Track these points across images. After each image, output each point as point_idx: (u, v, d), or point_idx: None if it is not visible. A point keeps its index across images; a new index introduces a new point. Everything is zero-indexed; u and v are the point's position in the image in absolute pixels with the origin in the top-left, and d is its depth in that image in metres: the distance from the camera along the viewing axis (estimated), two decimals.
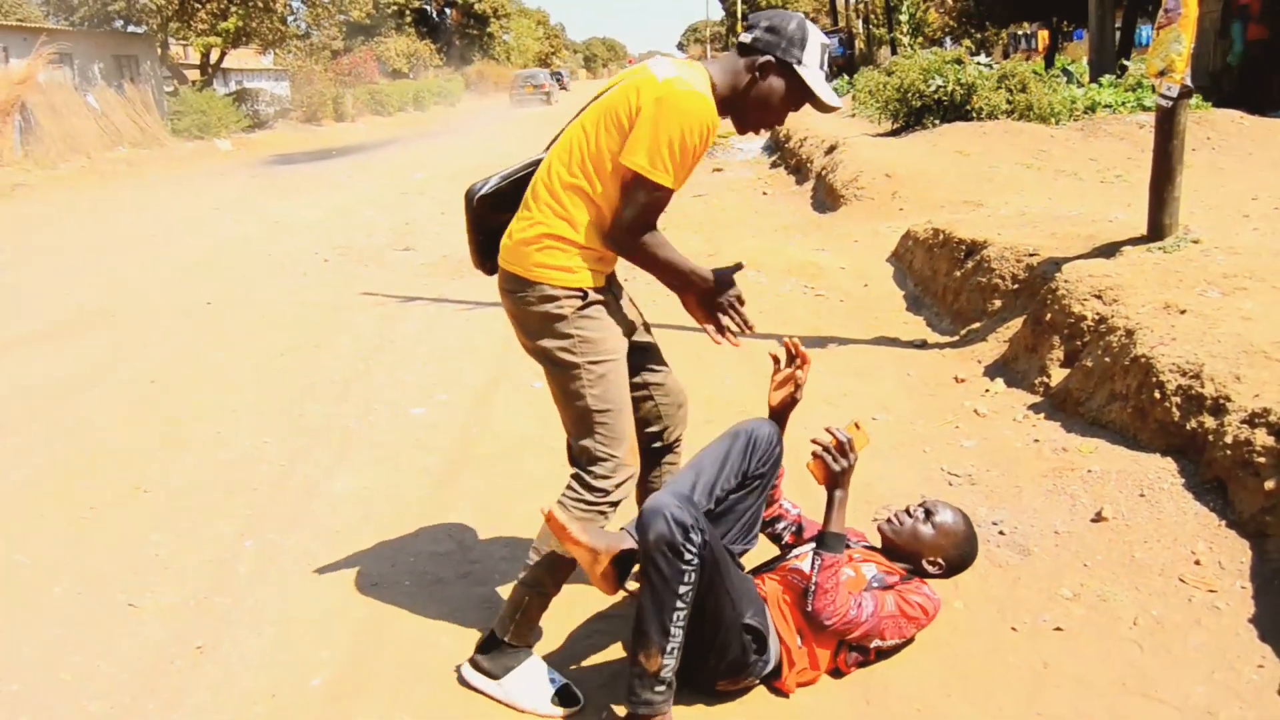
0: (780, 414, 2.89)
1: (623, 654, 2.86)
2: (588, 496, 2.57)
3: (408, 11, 53.38)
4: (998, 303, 5.50)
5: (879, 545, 2.99)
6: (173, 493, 4.14)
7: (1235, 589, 2.88)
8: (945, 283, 6.16)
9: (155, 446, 4.66)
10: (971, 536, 2.95)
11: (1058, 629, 2.85)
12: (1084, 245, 5.33)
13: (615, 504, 2.61)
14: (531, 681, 2.64)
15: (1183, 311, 4.10)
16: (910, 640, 2.79)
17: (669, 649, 2.32)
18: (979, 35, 33.78)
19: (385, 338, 6.29)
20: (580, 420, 2.59)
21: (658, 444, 2.92)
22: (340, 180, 16.13)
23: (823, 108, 2.58)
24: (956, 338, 5.58)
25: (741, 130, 2.67)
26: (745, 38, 2.55)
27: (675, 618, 2.31)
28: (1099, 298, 4.52)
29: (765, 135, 17.00)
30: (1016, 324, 5.10)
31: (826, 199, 9.93)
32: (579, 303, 2.54)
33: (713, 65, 2.56)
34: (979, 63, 11.95)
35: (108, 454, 4.59)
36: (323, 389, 5.37)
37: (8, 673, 2.88)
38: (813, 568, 2.58)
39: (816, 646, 2.63)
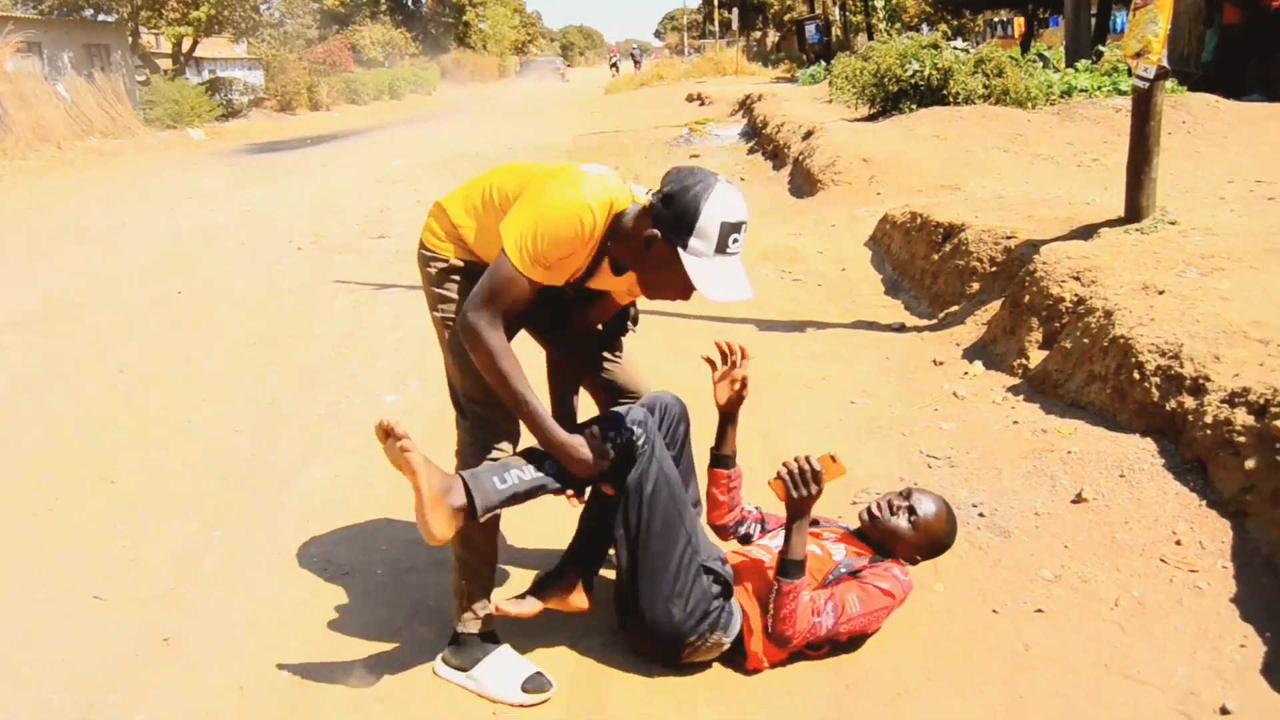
0: (729, 410, 2.89)
1: (596, 640, 2.81)
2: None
3: None
4: (976, 285, 5.47)
5: (854, 528, 2.95)
6: (141, 484, 4.06)
7: (1217, 569, 2.86)
8: (923, 266, 6.13)
9: (123, 438, 4.57)
10: (951, 526, 2.90)
11: (1039, 611, 2.82)
12: (1061, 227, 5.31)
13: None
14: (501, 670, 2.62)
15: (1161, 292, 4.07)
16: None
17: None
18: (955, 22, 33.84)
19: (359, 325, 6.20)
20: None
21: None
22: (315, 168, 15.97)
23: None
24: (935, 321, 5.55)
25: (645, 295, 2.48)
26: (646, 199, 2.35)
27: None
28: (1077, 279, 4.49)
29: (743, 120, 16.97)
30: (995, 306, 5.08)
31: (804, 184, 9.89)
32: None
33: (612, 190, 2.36)
34: (955, 47, 11.91)
35: (74, 446, 4.50)
36: (294, 377, 5.28)
37: None
38: (772, 593, 2.54)
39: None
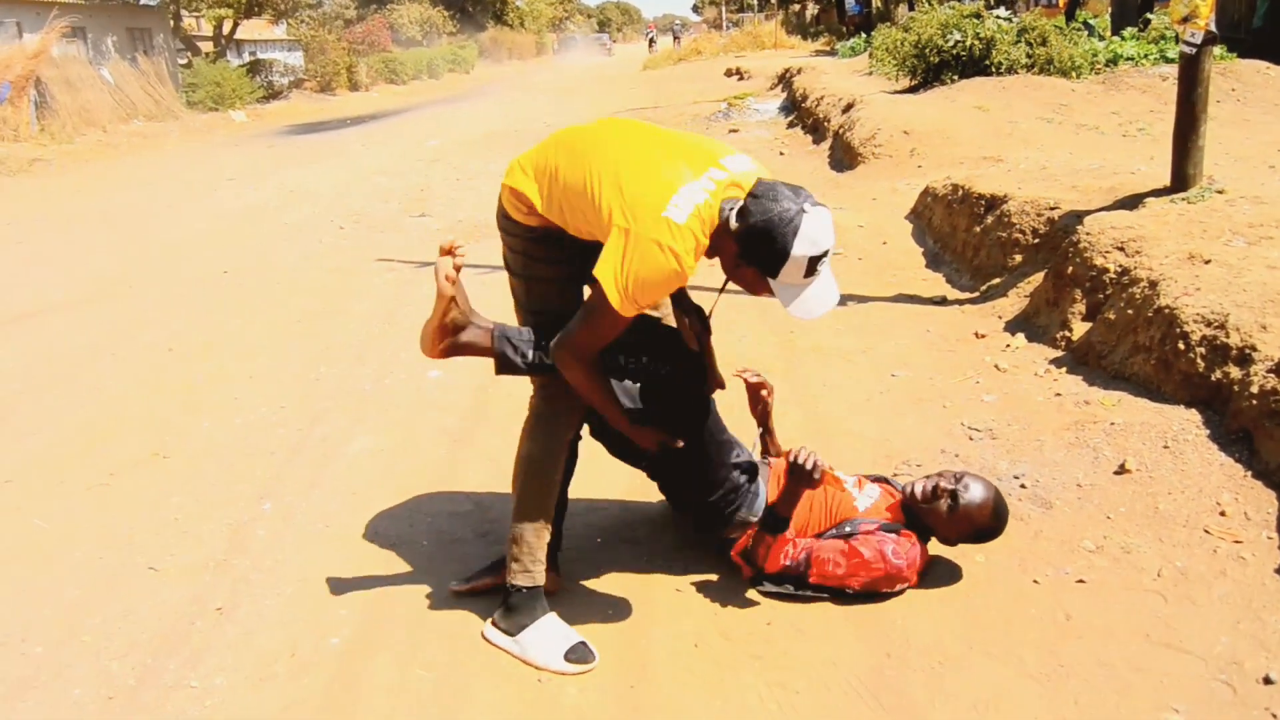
0: (763, 419, 3.26)
1: (641, 618, 2.85)
2: (539, 412, 2.79)
3: None
4: (1018, 257, 5.42)
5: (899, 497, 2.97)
6: (191, 457, 4.15)
7: (1261, 539, 2.84)
8: (965, 239, 6.09)
9: (174, 412, 4.67)
10: (999, 519, 2.85)
11: (1080, 581, 2.82)
12: (1106, 198, 5.25)
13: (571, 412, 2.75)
14: (546, 638, 2.66)
15: (1207, 261, 4.02)
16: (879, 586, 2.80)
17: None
18: None
19: (401, 302, 6.26)
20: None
21: None
22: (355, 148, 16.08)
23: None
24: (976, 294, 5.51)
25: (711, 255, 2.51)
26: (734, 221, 2.35)
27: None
28: (1121, 250, 4.44)
29: (783, 94, 16.84)
30: (1037, 278, 5.04)
31: (844, 157, 9.82)
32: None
33: (717, 192, 2.39)
34: (998, 16, 11.74)
35: (126, 420, 4.61)
36: (339, 353, 5.36)
37: (30, 634, 2.91)
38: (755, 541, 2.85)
39: None
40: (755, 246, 2.31)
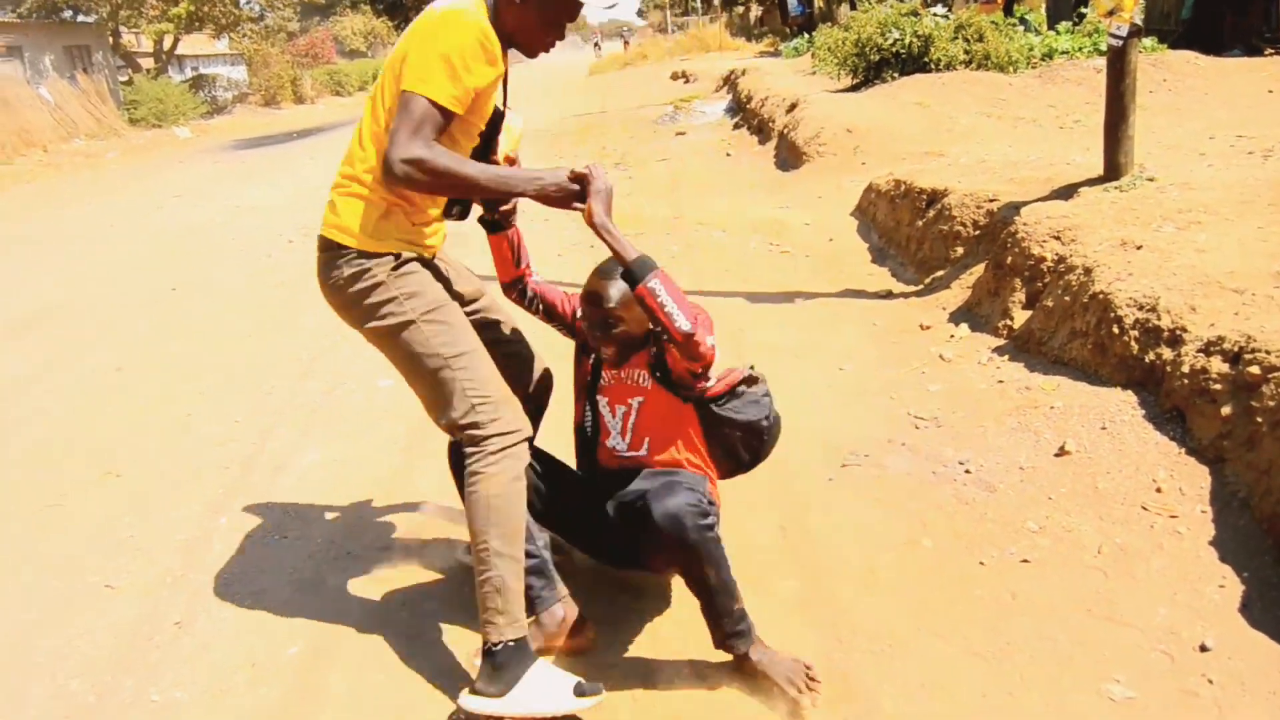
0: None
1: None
2: (489, 451, 2.39)
3: None
4: (960, 249, 5.53)
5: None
6: (144, 476, 4.13)
7: (1195, 513, 2.94)
8: (908, 233, 6.19)
9: (124, 432, 4.64)
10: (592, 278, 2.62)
11: (1024, 561, 2.90)
12: (1043, 188, 5.36)
13: (518, 443, 2.42)
14: (546, 683, 2.38)
15: (1139, 247, 4.14)
16: None
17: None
18: None
19: None
20: (439, 384, 2.42)
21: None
22: (303, 162, 15.98)
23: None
24: (921, 286, 5.61)
25: (530, 54, 2.47)
26: None
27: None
28: (1058, 238, 4.55)
29: (728, 96, 16.94)
30: (979, 269, 5.14)
31: (789, 157, 9.93)
32: (392, 263, 2.41)
33: None
34: (935, 14, 11.92)
35: (76, 442, 4.57)
36: (289, 367, 5.35)
37: None
38: (654, 297, 2.29)
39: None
40: None
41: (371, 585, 3.12)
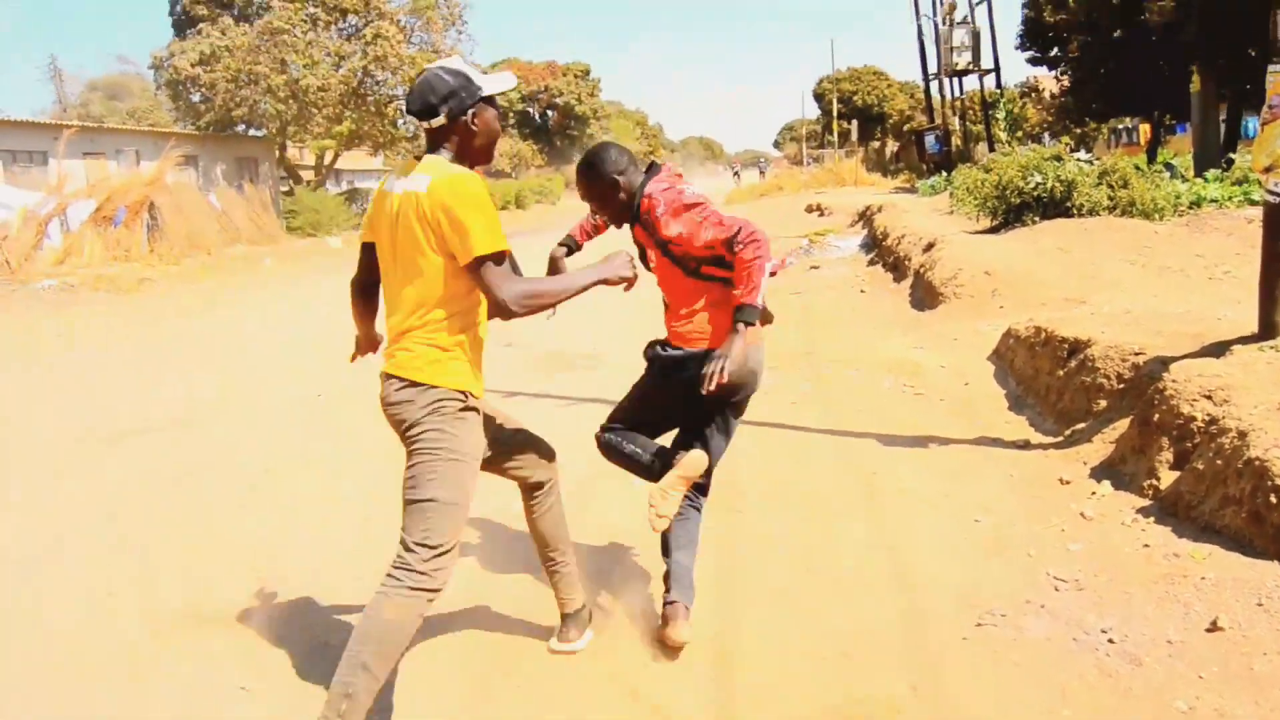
0: None
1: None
2: (418, 572, 2.81)
3: (511, 114, 55.47)
4: (1103, 403, 5.40)
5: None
6: (285, 577, 4.28)
7: None
8: (1048, 382, 6.08)
9: (270, 533, 4.83)
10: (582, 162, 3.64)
11: None
12: (1192, 344, 5.23)
13: (435, 591, 2.84)
14: None
15: None
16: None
17: None
18: (1078, 130, 33.46)
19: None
20: (446, 512, 2.89)
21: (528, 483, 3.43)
22: None
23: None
24: (1060, 438, 5.48)
25: (473, 165, 2.97)
26: (437, 120, 2.89)
27: None
28: (1209, 398, 4.42)
29: (863, 231, 17.04)
30: (1123, 424, 5.01)
31: (925, 297, 9.91)
32: (460, 403, 2.91)
33: (435, 157, 2.94)
34: (1079, 159, 11.88)
35: (223, 540, 4.78)
36: None
37: None
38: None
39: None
40: (459, 99, 2.87)
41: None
